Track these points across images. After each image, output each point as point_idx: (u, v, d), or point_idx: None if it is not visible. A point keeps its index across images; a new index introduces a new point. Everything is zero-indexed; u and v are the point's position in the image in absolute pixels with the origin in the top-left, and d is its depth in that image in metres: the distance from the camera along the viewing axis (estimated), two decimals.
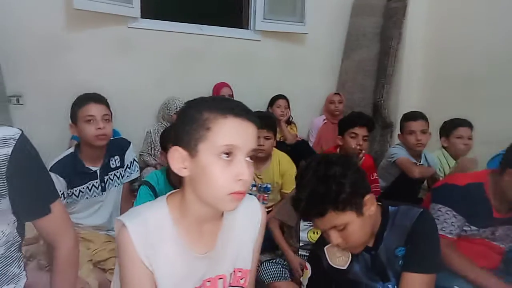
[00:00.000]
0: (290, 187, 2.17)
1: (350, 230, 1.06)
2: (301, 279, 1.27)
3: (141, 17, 3.01)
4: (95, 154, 1.75)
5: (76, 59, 2.82)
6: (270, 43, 3.47)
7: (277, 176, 2.16)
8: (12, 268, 1.00)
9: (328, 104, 3.49)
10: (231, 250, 0.94)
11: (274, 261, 1.77)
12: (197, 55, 3.22)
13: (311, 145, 3.40)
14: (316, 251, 1.22)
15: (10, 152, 0.87)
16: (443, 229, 1.45)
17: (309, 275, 1.21)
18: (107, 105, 1.74)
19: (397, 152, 2.34)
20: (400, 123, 2.42)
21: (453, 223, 1.45)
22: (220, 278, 0.93)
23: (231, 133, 0.80)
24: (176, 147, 0.83)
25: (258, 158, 2.07)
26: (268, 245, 2.03)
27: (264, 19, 3.38)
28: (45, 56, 2.72)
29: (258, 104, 3.31)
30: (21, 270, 1.02)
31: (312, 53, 3.64)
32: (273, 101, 3.34)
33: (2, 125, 0.92)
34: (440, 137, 2.50)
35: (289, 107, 3.35)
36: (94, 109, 1.67)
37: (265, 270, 1.71)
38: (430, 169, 2.30)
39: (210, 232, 0.92)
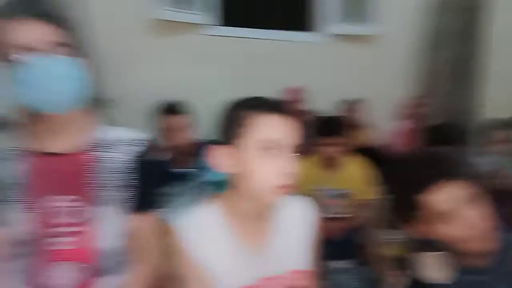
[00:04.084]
0: (366, 193, 2.08)
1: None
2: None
3: (213, 25, 3.10)
4: (182, 158, 1.85)
5: (158, 66, 2.98)
6: (342, 46, 3.39)
7: (352, 182, 2.07)
8: (129, 257, 1.05)
9: (407, 109, 3.30)
10: (285, 250, 0.94)
11: (347, 270, 1.71)
12: (267, 61, 3.23)
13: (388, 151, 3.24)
14: (409, 257, 1.13)
15: (136, 150, 1.01)
16: None
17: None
18: (183, 112, 1.81)
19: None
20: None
21: None
22: (277, 278, 0.93)
23: (270, 128, 0.83)
24: (221, 146, 0.87)
25: (331, 163, 2.01)
26: (343, 253, 1.98)
27: (335, 22, 3.31)
28: (133, 63, 2.91)
29: (329, 109, 3.25)
30: (133, 259, 1.07)
31: (387, 55, 3.48)
32: (348, 105, 3.25)
33: (133, 130, 1.07)
34: None
35: (363, 112, 3.23)
36: (172, 121, 1.78)
37: (336, 279, 1.65)
38: None
39: (262, 231, 0.93)
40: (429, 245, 1.05)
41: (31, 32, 0.87)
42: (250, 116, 0.84)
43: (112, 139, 1.01)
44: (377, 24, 3.35)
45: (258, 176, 0.82)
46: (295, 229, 0.96)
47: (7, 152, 0.96)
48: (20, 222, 0.94)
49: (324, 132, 1.98)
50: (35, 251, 0.96)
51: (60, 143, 0.96)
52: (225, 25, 3.22)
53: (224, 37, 3.16)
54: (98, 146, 0.99)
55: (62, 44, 0.89)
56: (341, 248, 1.95)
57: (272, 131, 0.83)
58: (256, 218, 0.91)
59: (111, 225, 1.00)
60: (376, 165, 2.79)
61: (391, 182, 1.01)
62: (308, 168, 2.09)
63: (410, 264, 1.10)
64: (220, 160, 0.87)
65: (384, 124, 3.43)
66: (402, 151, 3.09)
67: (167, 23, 2.86)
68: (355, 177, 2.08)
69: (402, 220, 1.01)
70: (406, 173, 0.94)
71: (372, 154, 2.78)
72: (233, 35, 3.18)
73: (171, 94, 2.71)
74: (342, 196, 2.08)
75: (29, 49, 0.85)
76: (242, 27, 3.24)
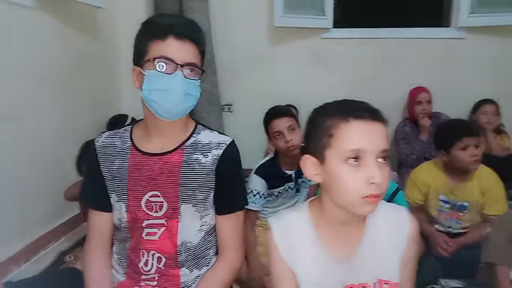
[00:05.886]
0: (493, 208, 1.85)
1: None
2: None
3: (333, 27, 3.11)
4: (290, 160, 1.92)
5: (276, 71, 3.15)
6: (477, 40, 3.01)
7: (477, 194, 1.86)
8: (210, 252, 1.19)
9: None
10: (373, 259, 0.90)
11: None
12: (391, 60, 3.09)
13: None
14: None
15: (221, 154, 1.09)
16: None
17: None
18: (290, 115, 1.89)
19: None
20: None
21: None
22: (364, 287, 0.91)
23: (355, 137, 0.79)
24: (307, 155, 0.86)
25: (457, 171, 1.85)
26: (457, 271, 1.82)
27: (470, 13, 2.97)
28: (251, 69, 3.16)
29: (459, 110, 2.94)
30: (214, 253, 1.20)
31: None
32: (477, 106, 2.89)
33: (222, 133, 1.16)
34: None
35: (498, 114, 2.83)
36: (279, 124, 1.84)
37: None
38: None
39: (351, 237, 0.91)
40: None
41: (181, 50, 0.99)
42: (333, 125, 0.81)
43: (202, 142, 1.11)
44: None
45: (345, 187, 0.80)
46: (386, 238, 0.92)
47: (118, 148, 1.12)
48: (119, 210, 1.11)
49: (462, 133, 1.80)
50: (128, 237, 1.13)
51: (155, 144, 1.10)
52: (347, 26, 3.19)
53: (343, 39, 3.14)
54: (188, 148, 1.09)
55: (196, 66, 1.03)
56: (455, 265, 1.80)
57: (358, 140, 0.79)
58: (345, 225, 0.90)
59: (193, 222, 1.10)
60: (509, 176, 2.46)
61: None
62: (429, 175, 1.96)
63: None
64: (307, 169, 0.87)
65: None
66: None
67: (289, 29, 2.99)
68: (481, 189, 1.86)
69: None
70: None
71: (505, 164, 2.45)
72: (352, 37, 3.14)
73: (286, 98, 2.85)
74: (464, 208, 1.90)
75: (172, 63, 0.99)
76: (365, 27, 3.17)
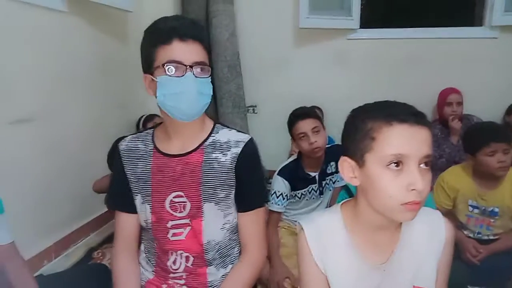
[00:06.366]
0: None
1: None
2: None
3: (360, 28, 3.07)
4: (314, 162, 1.91)
5: (300, 72, 3.14)
6: (510, 39, 2.90)
7: (508, 199, 1.79)
8: (235, 250, 1.20)
9: None
10: (409, 265, 0.88)
11: None
12: (419, 60, 3.03)
13: None
14: None
15: (239, 152, 1.10)
16: None
17: None
18: (315, 117, 1.87)
19: None
20: None
21: None
22: None
23: (398, 142, 0.76)
24: (345, 158, 0.84)
25: (486, 176, 1.79)
26: (487, 279, 1.74)
27: (505, 11, 2.86)
28: (276, 71, 3.16)
29: (491, 112, 2.84)
30: (239, 251, 1.21)
31: None
32: (511, 108, 2.79)
33: (240, 131, 1.17)
34: None
35: None
36: (303, 126, 1.82)
37: None
38: None
39: (385, 243, 0.88)
40: None
41: (187, 51, 1.00)
42: (376, 128, 0.78)
43: (220, 141, 1.12)
44: None
45: (384, 193, 0.77)
46: (422, 243, 0.89)
47: (141, 151, 1.14)
48: (144, 212, 1.14)
49: (490, 138, 1.72)
50: (154, 238, 1.15)
51: (176, 146, 1.12)
52: (373, 27, 3.14)
53: (370, 40, 3.09)
54: (207, 148, 1.11)
55: (205, 64, 1.04)
56: (485, 273, 1.73)
57: (400, 145, 0.75)
58: (380, 229, 0.87)
59: (216, 220, 1.12)
60: None
61: None
62: (458, 179, 1.89)
63: None
64: (345, 171, 0.85)
65: None
66: None
67: (314, 30, 2.98)
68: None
69: None
70: None
71: None
72: (379, 37, 3.09)
73: (311, 99, 2.83)
74: (495, 214, 1.83)
75: (181, 65, 1.00)
76: (393, 27, 3.11)
